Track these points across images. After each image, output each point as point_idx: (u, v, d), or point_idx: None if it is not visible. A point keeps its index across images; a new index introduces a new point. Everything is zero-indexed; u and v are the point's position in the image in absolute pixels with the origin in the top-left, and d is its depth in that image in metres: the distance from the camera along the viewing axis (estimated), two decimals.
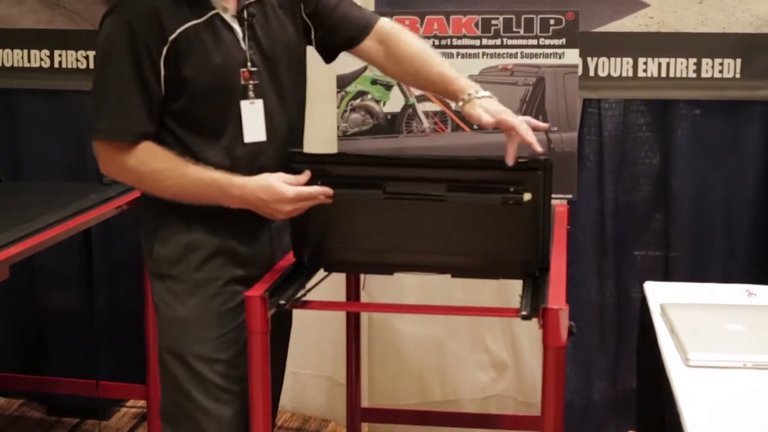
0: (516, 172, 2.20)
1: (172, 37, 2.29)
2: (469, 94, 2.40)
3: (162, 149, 2.32)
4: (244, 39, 2.37)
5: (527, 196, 2.17)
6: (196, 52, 2.32)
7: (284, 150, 2.40)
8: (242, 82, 2.37)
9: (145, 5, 2.29)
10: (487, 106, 2.36)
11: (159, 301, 2.47)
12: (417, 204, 2.22)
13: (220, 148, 2.35)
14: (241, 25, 2.37)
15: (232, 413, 2.43)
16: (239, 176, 2.30)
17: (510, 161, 2.24)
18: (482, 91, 2.40)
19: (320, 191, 2.25)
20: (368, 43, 2.53)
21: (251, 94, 2.39)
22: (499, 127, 2.34)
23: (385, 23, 2.54)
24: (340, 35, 2.54)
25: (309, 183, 2.26)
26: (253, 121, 2.41)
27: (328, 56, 2.62)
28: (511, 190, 2.18)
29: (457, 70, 2.47)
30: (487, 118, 2.33)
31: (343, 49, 2.58)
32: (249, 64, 2.38)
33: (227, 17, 2.36)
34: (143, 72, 2.29)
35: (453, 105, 2.43)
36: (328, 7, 2.53)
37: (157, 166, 2.31)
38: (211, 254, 2.42)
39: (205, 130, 2.35)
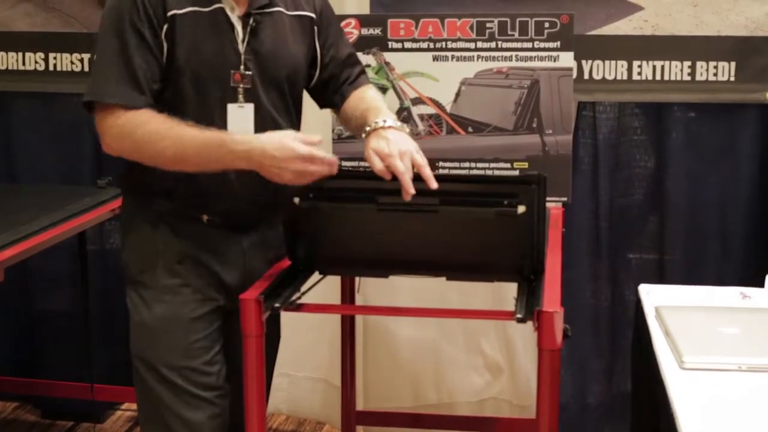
0: (510, 185, 2.20)
1: (170, 14, 2.28)
2: (376, 122, 2.33)
3: (162, 115, 2.26)
4: (243, 41, 2.36)
5: (521, 209, 2.17)
6: (191, 37, 2.30)
7: None
8: (232, 83, 2.35)
9: None
10: (379, 147, 2.25)
11: (131, 306, 2.46)
12: (412, 213, 2.21)
13: None
14: (243, 27, 2.36)
15: (205, 419, 2.41)
16: (238, 134, 2.23)
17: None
18: (392, 122, 2.32)
19: (330, 159, 2.16)
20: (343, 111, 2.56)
21: (241, 97, 2.36)
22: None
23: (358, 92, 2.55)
24: (328, 91, 2.56)
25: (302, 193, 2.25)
26: (241, 125, 2.36)
27: (320, 102, 2.64)
28: (505, 203, 2.18)
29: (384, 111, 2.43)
30: (373, 163, 2.22)
31: (327, 106, 2.60)
32: (242, 67, 2.36)
33: (232, 16, 2.35)
34: (148, 41, 2.27)
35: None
36: (335, 55, 2.54)
37: (155, 127, 2.24)
38: (178, 261, 2.41)
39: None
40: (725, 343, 2.04)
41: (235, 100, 2.36)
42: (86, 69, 3.76)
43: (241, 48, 2.36)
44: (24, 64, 3.83)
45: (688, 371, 1.94)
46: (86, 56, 3.76)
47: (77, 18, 3.78)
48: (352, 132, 2.55)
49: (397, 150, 2.20)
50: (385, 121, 2.31)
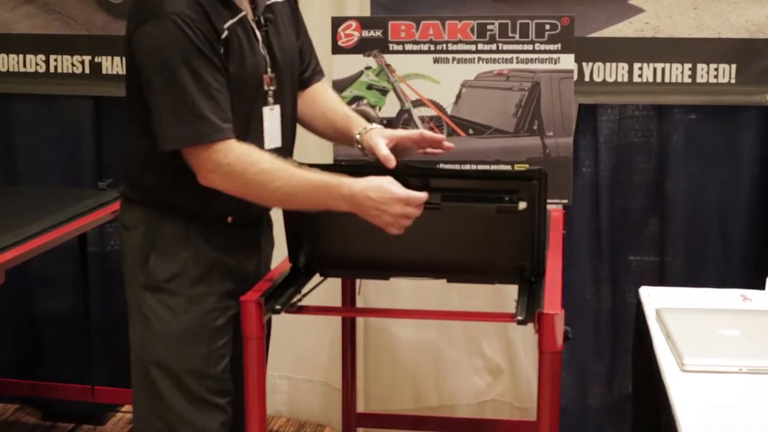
0: (511, 181, 2.20)
1: (222, 33, 2.23)
2: (365, 128, 2.42)
3: (262, 151, 2.24)
4: (263, 44, 2.35)
5: (522, 205, 2.16)
6: (236, 50, 2.27)
7: (289, 154, 2.42)
8: (265, 87, 2.34)
9: (190, 2, 2.19)
10: (380, 132, 2.38)
11: (150, 313, 2.39)
12: None
13: None
14: (259, 29, 2.35)
15: (217, 426, 2.41)
16: (347, 176, 2.19)
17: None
18: (371, 125, 2.43)
19: (426, 196, 2.15)
20: (308, 92, 2.57)
21: (270, 99, 2.36)
22: (402, 143, 2.36)
23: (321, 87, 2.60)
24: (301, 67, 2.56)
25: None
26: (273, 127, 2.38)
27: None
28: (506, 199, 2.17)
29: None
30: (384, 143, 2.33)
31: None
32: (269, 70, 2.35)
33: (250, 21, 2.33)
34: (215, 64, 2.21)
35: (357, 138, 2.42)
36: (303, 30, 2.56)
37: (265, 166, 2.20)
38: (209, 269, 2.38)
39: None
40: (726, 346, 2.04)
41: (266, 103, 2.36)
42: (87, 71, 3.76)
43: (263, 50, 2.35)
44: (25, 65, 3.83)
45: (688, 373, 1.94)
46: (87, 58, 3.76)
47: (78, 20, 3.78)
48: (316, 122, 2.57)
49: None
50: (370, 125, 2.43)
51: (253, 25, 2.33)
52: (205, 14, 2.19)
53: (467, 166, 2.84)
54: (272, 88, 2.35)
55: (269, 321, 2.61)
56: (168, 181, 2.32)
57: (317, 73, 2.60)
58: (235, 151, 2.20)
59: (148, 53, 2.20)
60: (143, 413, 2.47)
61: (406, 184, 2.15)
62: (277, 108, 2.38)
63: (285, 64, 2.41)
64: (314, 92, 2.58)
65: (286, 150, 2.43)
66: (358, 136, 2.41)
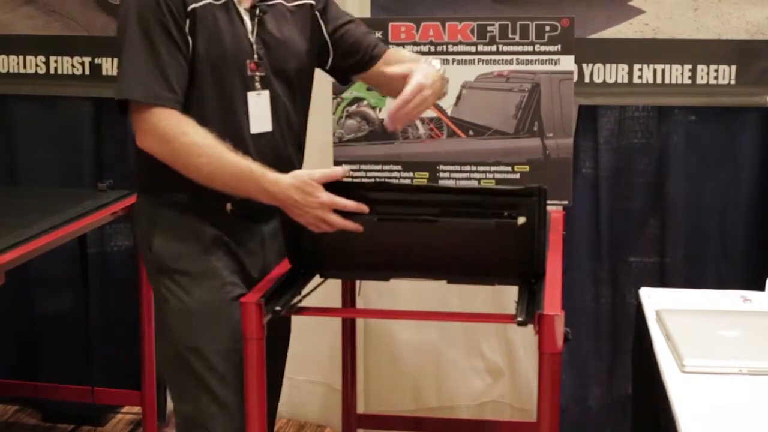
0: (510, 197, 2.20)
1: (190, 8, 2.33)
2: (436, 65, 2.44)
3: (202, 127, 2.30)
4: (252, 32, 2.42)
5: (521, 220, 2.17)
6: (210, 29, 2.36)
7: (290, 141, 2.49)
8: (249, 72, 2.41)
9: None
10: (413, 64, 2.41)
11: (167, 294, 2.44)
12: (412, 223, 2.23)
13: (227, 138, 2.33)
14: (251, 19, 2.43)
15: (240, 401, 2.38)
16: (274, 172, 2.26)
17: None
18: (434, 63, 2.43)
19: (356, 206, 2.20)
20: (376, 70, 2.58)
21: (258, 85, 2.43)
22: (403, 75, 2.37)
23: (392, 51, 2.62)
24: (353, 59, 2.60)
25: None
26: (260, 112, 2.44)
27: (342, 79, 2.70)
28: (505, 214, 2.18)
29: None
30: (396, 69, 2.39)
31: (354, 73, 2.63)
32: (255, 56, 2.42)
33: (240, 9, 2.42)
34: (175, 38, 2.32)
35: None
36: (346, 30, 2.60)
37: (197, 139, 2.28)
38: (210, 244, 2.44)
39: (213, 118, 2.35)
40: (726, 347, 2.04)
41: (252, 88, 2.42)
42: (87, 72, 3.76)
43: (252, 38, 2.42)
44: (25, 67, 3.83)
45: (688, 374, 1.94)
46: (87, 59, 3.76)
47: (78, 21, 3.78)
48: (395, 84, 2.48)
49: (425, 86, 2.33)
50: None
51: (243, 13, 2.41)
52: None
53: (467, 168, 2.84)
54: (258, 74, 2.42)
55: (289, 323, 2.63)
56: (165, 169, 2.35)
57: (377, 51, 2.61)
58: (171, 119, 2.30)
59: (119, 16, 2.38)
60: (185, 407, 2.46)
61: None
62: (265, 93, 2.44)
63: (283, 58, 2.47)
64: (384, 58, 2.59)
65: (281, 136, 2.48)
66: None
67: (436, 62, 2.45)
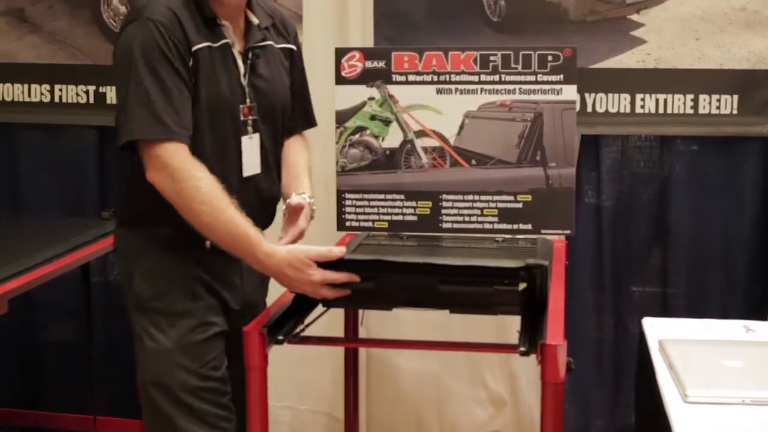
0: (510, 270, 2.22)
1: (194, 48, 2.34)
2: (289, 200, 2.54)
3: (212, 175, 2.30)
4: (245, 76, 2.44)
5: (522, 286, 2.20)
6: (209, 71, 2.37)
7: (274, 179, 2.53)
8: (242, 117, 2.43)
9: (167, 12, 2.32)
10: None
11: (142, 332, 2.47)
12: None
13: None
14: (244, 62, 2.45)
15: None
16: (268, 242, 2.30)
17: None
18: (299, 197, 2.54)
19: (347, 277, 2.25)
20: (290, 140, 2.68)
21: (250, 129, 2.45)
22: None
23: (294, 147, 2.70)
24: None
25: None
26: (251, 156, 2.47)
27: None
28: (506, 282, 2.20)
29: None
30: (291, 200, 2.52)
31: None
32: (248, 100, 2.44)
33: (234, 51, 2.43)
34: (182, 74, 2.31)
35: None
36: (297, 81, 2.66)
37: (203, 186, 2.27)
38: (189, 283, 2.45)
39: (208, 161, 2.35)
40: (729, 377, 2.04)
41: (245, 132, 2.45)
42: (92, 101, 3.78)
43: (244, 81, 2.44)
44: (30, 95, 3.84)
45: (691, 404, 1.93)
46: (92, 88, 3.78)
47: (83, 50, 3.80)
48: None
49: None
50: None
51: (237, 56, 2.43)
52: (181, 27, 2.31)
53: (470, 197, 2.84)
54: (251, 118, 2.45)
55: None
56: (148, 204, 2.38)
57: (298, 126, 2.73)
58: (183, 157, 2.29)
59: (120, 51, 2.35)
60: (151, 430, 2.50)
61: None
62: (256, 137, 2.48)
63: (271, 100, 2.51)
64: (286, 143, 2.67)
65: (266, 177, 2.52)
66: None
67: (306, 195, 2.55)
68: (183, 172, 2.28)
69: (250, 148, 2.46)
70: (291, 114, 2.65)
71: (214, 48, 2.38)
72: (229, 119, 2.41)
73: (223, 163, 2.39)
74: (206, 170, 2.30)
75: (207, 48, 2.36)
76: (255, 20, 2.50)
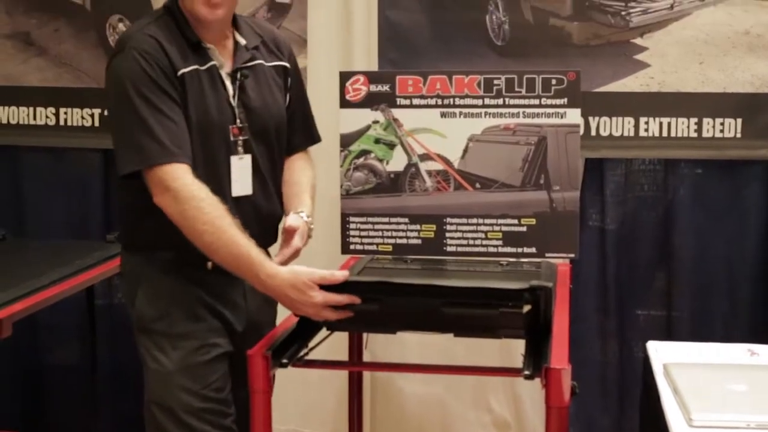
0: (515, 291, 2.23)
1: (180, 73, 2.37)
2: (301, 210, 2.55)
3: (213, 195, 2.32)
4: (234, 97, 2.46)
5: (526, 308, 2.20)
6: (197, 94, 2.40)
7: (272, 199, 2.54)
8: (231, 137, 2.45)
9: (150, 40, 2.37)
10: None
11: (145, 353, 2.50)
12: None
13: None
14: (232, 83, 2.47)
15: None
16: (271, 262, 2.31)
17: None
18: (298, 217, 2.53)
19: (348, 299, 2.25)
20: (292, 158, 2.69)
21: (240, 149, 2.47)
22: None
23: (298, 165, 2.71)
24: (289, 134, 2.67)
25: None
26: (242, 175, 2.48)
27: None
28: (510, 304, 2.20)
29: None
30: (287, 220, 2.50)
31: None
32: (238, 121, 2.46)
33: (222, 73, 2.46)
34: (174, 97, 2.35)
35: None
36: (296, 98, 2.67)
37: (207, 207, 2.30)
38: (192, 305, 2.46)
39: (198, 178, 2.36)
40: (734, 401, 2.03)
41: (235, 152, 2.46)
42: (97, 124, 3.79)
43: (234, 102, 2.46)
44: (35, 118, 3.86)
45: (696, 429, 1.93)
46: (97, 111, 3.79)
47: (88, 73, 3.81)
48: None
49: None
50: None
51: (225, 77, 2.46)
52: (164, 52, 2.36)
53: (474, 221, 2.84)
54: (241, 138, 2.46)
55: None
56: (149, 229, 2.41)
57: (301, 143, 2.72)
58: (185, 178, 2.31)
59: (109, 83, 2.41)
60: None
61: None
62: (247, 158, 2.48)
63: (263, 119, 2.52)
64: (288, 161, 2.68)
65: (263, 198, 2.53)
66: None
67: (304, 214, 2.55)
68: (185, 193, 2.30)
69: (240, 169, 2.47)
70: (292, 131, 2.66)
71: (202, 71, 2.41)
72: (219, 140, 2.43)
73: (213, 183, 2.38)
74: (209, 191, 2.31)
75: (194, 71, 2.40)
76: (242, 41, 2.53)
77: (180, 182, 2.30)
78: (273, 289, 2.28)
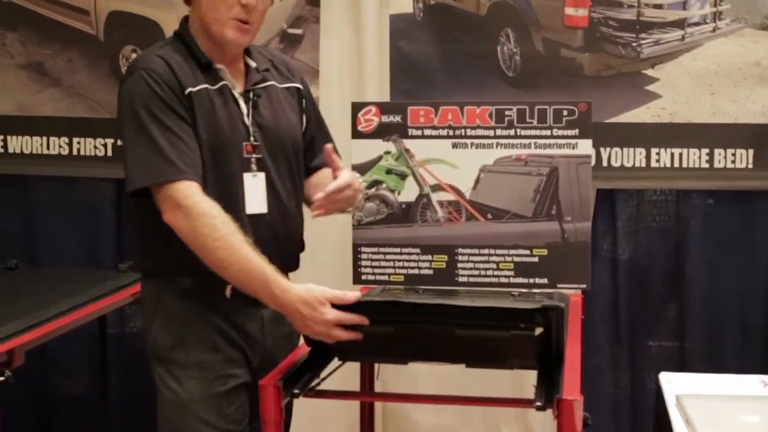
0: (526, 311, 2.22)
1: (187, 92, 2.37)
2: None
3: (224, 212, 2.30)
4: (248, 115, 2.46)
5: (538, 330, 2.19)
6: (207, 112, 2.40)
7: (289, 218, 2.51)
8: (245, 155, 2.44)
9: (158, 60, 2.38)
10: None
11: (160, 383, 2.47)
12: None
13: None
14: (246, 102, 2.47)
15: None
16: (285, 279, 2.30)
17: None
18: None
19: (358, 319, 2.23)
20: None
21: (254, 167, 2.45)
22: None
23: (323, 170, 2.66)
24: (308, 156, 2.65)
25: None
26: (256, 193, 2.46)
27: None
28: (522, 326, 2.20)
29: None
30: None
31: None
32: (252, 138, 2.45)
33: (235, 93, 2.46)
34: (183, 115, 2.35)
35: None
36: (313, 119, 2.67)
37: (218, 224, 2.28)
38: (209, 336, 2.44)
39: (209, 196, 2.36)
40: None
41: (248, 169, 2.45)
42: (110, 154, 3.81)
43: (248, 121, 2.46)
44: (48, 148, 3.88)
45: None
46: (110, 141, 3.81)
47: (101, 104, 3.84)
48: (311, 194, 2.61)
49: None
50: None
51: (238, 96, 2.46)
52: (173, 73, 2.37)
53: (486, 251, 2.84)
54: (255, 156, 2.45)
55: (290, 405, 2.62)
56: (162, 253, 2.40)
57: (322, 165, 2.66)
58: (196, 196, 2.30)
59: (119, 104, 2.43)
60: None
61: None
62: (261, 175, 2.47)
63: (278, 137, 2.51)
64: (314, 176, 2.67)
65: (279, 217, 2.50)
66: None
67: (359, 177, 2.54)
68: (197, 210, 2.29)
69: (254, 186, 2.46)
70: (313, 154, 2.65)
71: (212, 90, 2.42)
72: (232, 158, 2.43)
73: (226, 201, 2.37)
74: (220, 208, 2.30)
75: (203, 90, 2.40)
76: (253, 63, 2.54)
77: (191, 199, 2.30)
78: (285, 304, 2.26)
